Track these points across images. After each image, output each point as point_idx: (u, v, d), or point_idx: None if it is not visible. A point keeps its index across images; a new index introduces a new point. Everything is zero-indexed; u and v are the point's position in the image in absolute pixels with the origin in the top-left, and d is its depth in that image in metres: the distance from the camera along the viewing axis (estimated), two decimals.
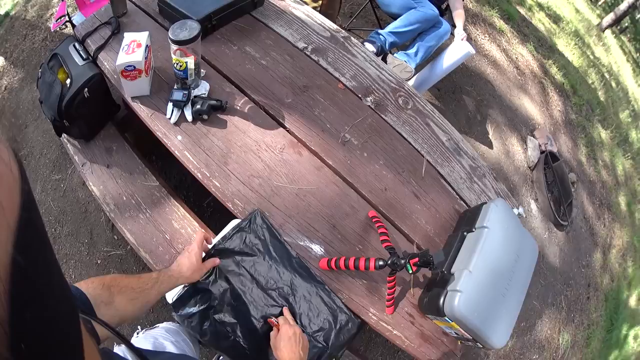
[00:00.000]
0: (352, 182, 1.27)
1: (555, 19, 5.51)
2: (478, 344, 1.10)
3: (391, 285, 1.12)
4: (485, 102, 3.20)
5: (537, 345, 2.47)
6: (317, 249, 1.19)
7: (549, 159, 3.05)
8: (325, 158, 1.27)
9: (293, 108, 1.34)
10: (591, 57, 5.65)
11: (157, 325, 1.14)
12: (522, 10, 4.70)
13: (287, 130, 1.30)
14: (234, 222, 1.21)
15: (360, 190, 1.27)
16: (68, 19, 1.90)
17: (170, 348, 1.04)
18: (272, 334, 1.01)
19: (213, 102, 1.28)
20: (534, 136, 3.19)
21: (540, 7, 5.38)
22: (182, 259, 1.00)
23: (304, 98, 1.36)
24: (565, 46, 4.94)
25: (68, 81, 1.38)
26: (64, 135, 1.58)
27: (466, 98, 3.11)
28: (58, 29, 2.25)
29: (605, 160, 3.89)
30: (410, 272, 1.02)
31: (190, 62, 1.23)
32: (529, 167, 3.04)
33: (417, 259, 1.01)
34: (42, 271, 0.21)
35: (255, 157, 1.25)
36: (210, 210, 1.95)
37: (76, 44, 1.43)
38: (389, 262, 1.04)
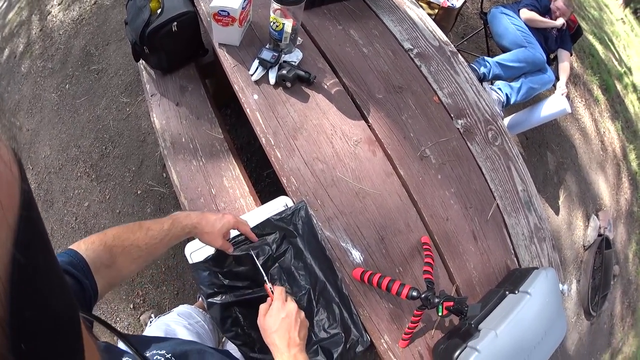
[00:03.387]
0: (417, 201, 1.17)
1: None
2: None
3: (415, 319, 1.02)
4: (566, 166, 3.11)
5: None
6: (356, 255, 1.11)
7: (603, 244, 2.90)
8: (398, 166, 1.18)
9: (381, 105, 1.26)
10: None
11: (171, 310, 1.10)
12: (619, 86, 4.47)
13: (369, 125, 1.23)
14: (280, 199, 1.15)
15: (422, 211, 1.17)
16: None
17: (183, 333, 1.00)
18: (261, 307, 0.81)
19: (301, 72, 1.23)
20: (597, 216, 3.02)
21: (635, 88, 5.08)
22: (210, 216, 0.86)
23: (395, 98, 1.28)
24: None
25: (159, 11, 1.36)
26: (141, 61, 1.57)
27: (550, 156, 3.03)
28: None
29: None
30: (440, 314, 0.93)
31: (288, 25, 1.19)
32: (584, 246, 2.89)
33: (452, 304, 0.92)
34: (42, 271, 0.21)
35: (327, 141, 1.18)
36: (267, 181, 1.90)
37: None
38: (423, 295, 0.95)
